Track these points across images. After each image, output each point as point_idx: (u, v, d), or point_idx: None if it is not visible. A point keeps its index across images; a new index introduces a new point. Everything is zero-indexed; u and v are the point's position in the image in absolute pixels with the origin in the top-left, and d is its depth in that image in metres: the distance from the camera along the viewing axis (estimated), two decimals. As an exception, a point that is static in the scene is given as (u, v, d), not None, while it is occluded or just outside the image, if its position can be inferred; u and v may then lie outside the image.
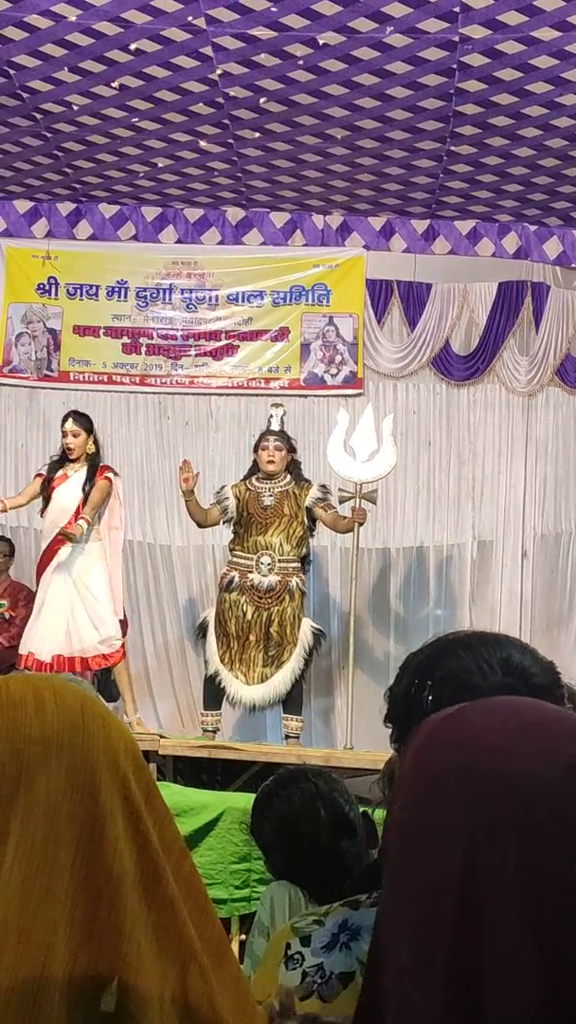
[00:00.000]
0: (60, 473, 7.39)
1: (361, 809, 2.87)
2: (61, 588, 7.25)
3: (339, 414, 7.89)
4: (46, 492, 7.40)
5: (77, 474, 7.36)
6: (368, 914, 1.42)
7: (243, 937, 5.40)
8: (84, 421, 7.48)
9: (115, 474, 7.47)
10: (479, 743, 0.92)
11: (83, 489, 7.30)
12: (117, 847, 0.99)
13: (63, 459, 7.44)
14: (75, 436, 7.37)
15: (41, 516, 7.68)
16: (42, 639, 7.21)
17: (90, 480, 7.31)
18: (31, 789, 0.97)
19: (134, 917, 0.98)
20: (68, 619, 7.22)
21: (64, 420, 7.51)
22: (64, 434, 7.43)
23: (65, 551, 7.27)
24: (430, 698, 1.41)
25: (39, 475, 7.54)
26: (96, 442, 7.49)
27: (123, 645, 7.46)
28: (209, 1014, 1.02)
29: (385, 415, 7.98)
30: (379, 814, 1.59)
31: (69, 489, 7.32)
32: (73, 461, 7.38)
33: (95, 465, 7.39)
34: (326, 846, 2.75)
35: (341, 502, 7.51)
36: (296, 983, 1.41)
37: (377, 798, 1.52)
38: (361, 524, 7.41)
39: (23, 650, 7.28)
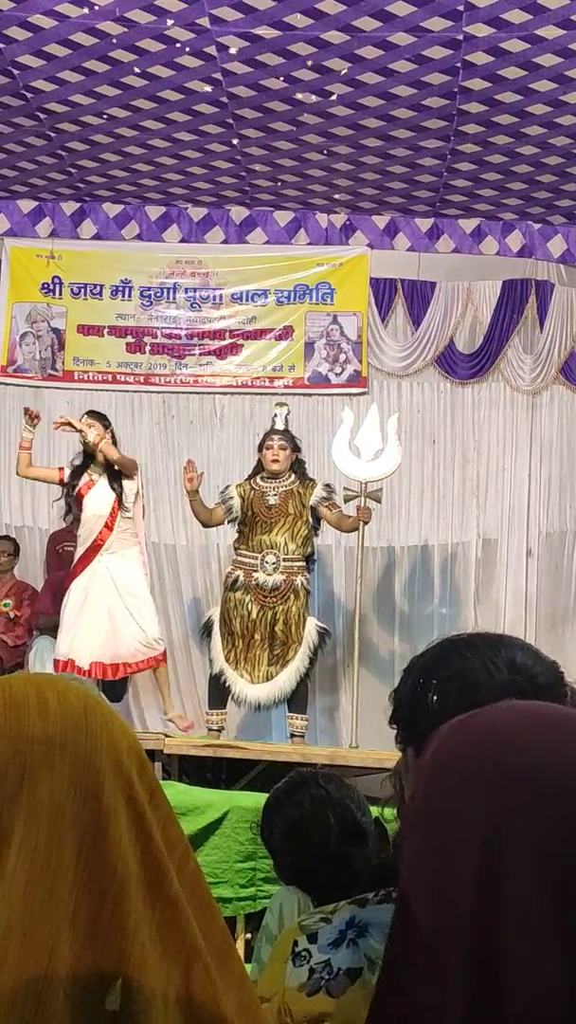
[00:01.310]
0: (85, 480, 7.33)
1: (373, 814, 2.87)
2: (102, 593, 7.21)
3: (344, 413, 7.89)
4: (76, 500, 7.37)
5: (102, 479, 7.32)
6: (375, 911, 1.43)
7: (248, 936, 5.41)
8: (99, 416, 7.51)
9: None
10: (499, 739, 0.93)
11: (112, 488, 7.29)
12: (120, 847, 0.99)
13: (85, 463, 7.40)
14: (90, 427, 7.33)
15: (65, 520, 7.70)
16: (87, 647, 7.17)
17: (116, 479, 7.30)
18: (34, 789, 0.97)
19: (138, 917, 0.98)
20: (111, 624, 7.20)
21: (79, 419, 7.49)
22: (79, 430, 7.39)
23: (107, 558, 7.25)
24: (435, 698, 1.42)
25: (60, 469, 7.52)
26: (115, 440, 7.46)
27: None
28: (213, 1013, 1.02)
29: (389, 414, 7.98)
30: (389, 813, 1.59)
31: (99, 494, 7.29)
32: (93, 459, 7.33)
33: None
34: (335, 852, 2.74)
35: (346, 501, 7.51)
36: (303, 980, 1.41)
37: (388, 795, 1.52)
38: (366, 523, 7.41)
39: (60, 656, 7.19)
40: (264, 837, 3.03)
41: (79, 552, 7.39)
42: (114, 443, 7.43)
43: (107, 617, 7.19)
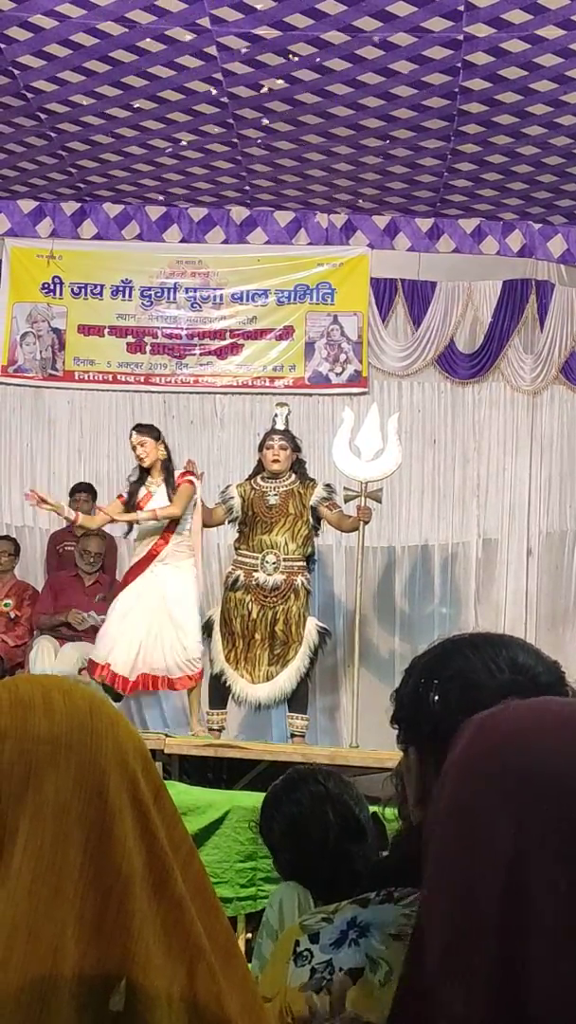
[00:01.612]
0: (144, 492, 7.24)
1: (371, 810, 2.86)
2: (150, 604, 7.13)
3: (344, 413, 7.89)
4: (135, 511, 7.27)
5: (160, 489, 7.22)
6: (377, 911, 1.43)
7: (249, 936, 5.40)
8: (148, 429, 7.39)
9: (197, 477, 7.37)
10: (522, 739, 0.93)
11: (170, 499, 7.17)
12: (125, 846, 0.99)
13: (142, 477, 7.30)
14: (141, 445, 7.23)
15: (125, 537, 7.66)
16: (126, 653, 7.09)
17: (174, 490, 7.19)
18: (40, 789, 0.97)
19: (143, 916, 0.99)
20: (152, 636, 7.11)
21: (129, 436, 7.40)
22: (133, 448, 7.30)
23: (160, 568, 7.17)
24: (436, 697, 1.42)
25: (120, 497, 7.40)
26: (167, 447, 7.36)
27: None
28: (217, 1013, 1.02)
29: (390, 414, 7.97)
30: (390, 813, 1.59)
31: (157, 505, 7.19)
32: (150, 474, 7.24)
33: (170, 471, 7.25)
34: (334, 849, 2.74)
35: (346, 501, 7.50)
36: (305, 980, 1.41)
37: (388, 795, 1.52)
38: (366, 523, 7.40)
39: (98, 660, 7.14)
40: (263, 834, 3.03)
41: (133, 560, 7.33)
42: (168, 454, 7.31)
43: (149, 628, 7.12)
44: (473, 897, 0.90)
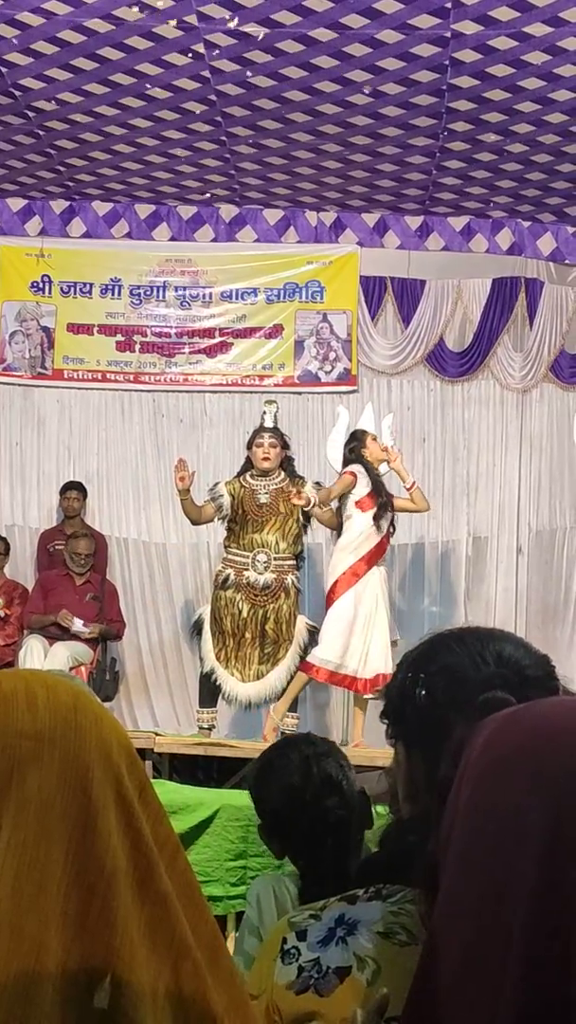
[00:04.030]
0: (366, 492, 7.35)
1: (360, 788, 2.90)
2: (365, 607, 7.21)
3: (338, 410, 7.89)
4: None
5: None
6: (365, 908, 1.42)
7: (238, 934, 5.40)
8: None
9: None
10: (558, 736, 0.92)
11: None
12: (110, 842, 0.98)
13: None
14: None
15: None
16: (366, 658, 7.15)
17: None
18: (23, 784, 0.96)
19: (127, 912, 0.98)
20: (369, 639, 7.17)
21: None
22: (380, 450, 7.50)
23: (374, 571, 7.24)
24: (423, 692, 1.42)
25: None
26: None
27: None
28: (203, 1009, 1.01)
29: (380, 412, 7.98)
30: (382, 809, 1.59)
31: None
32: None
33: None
34: (312, 803, 2.79)
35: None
36: (292, 978, 1.40)
37: (382, 790, 1.52)
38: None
39: (340, 667, 7.13)
40: (251, 791, 3.07)
41: (347, 559, 7.30)
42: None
43: (367, 633, 7.18)
44: (503, 901, 0.87)
